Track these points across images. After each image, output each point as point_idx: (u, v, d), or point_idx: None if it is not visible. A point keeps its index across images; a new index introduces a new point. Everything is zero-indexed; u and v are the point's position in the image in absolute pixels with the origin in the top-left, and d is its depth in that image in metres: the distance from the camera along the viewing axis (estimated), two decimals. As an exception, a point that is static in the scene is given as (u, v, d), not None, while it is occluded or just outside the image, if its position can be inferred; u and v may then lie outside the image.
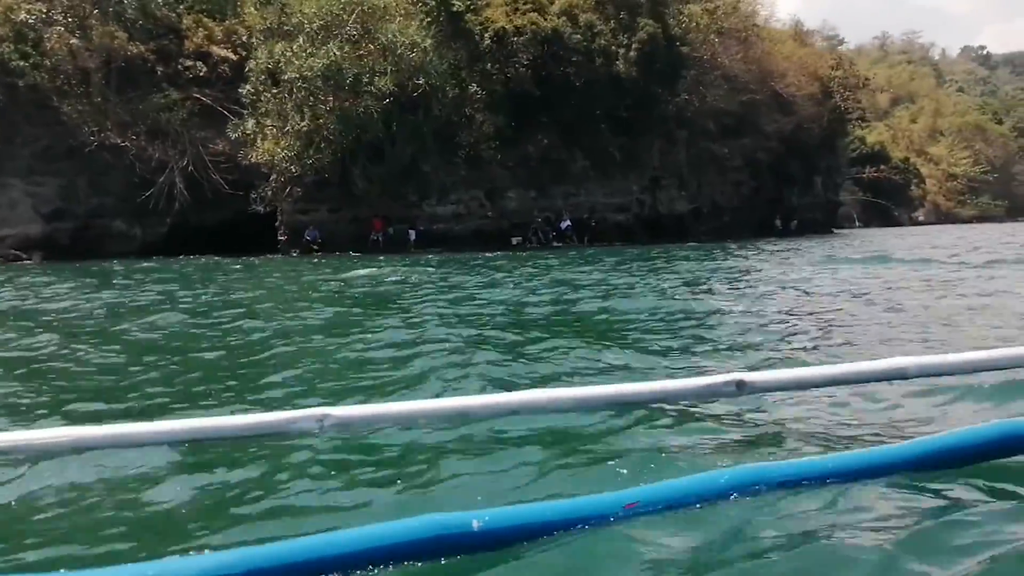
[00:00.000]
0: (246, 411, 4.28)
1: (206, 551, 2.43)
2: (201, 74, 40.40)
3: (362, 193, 34.51)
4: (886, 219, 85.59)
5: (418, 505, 2.93)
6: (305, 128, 33.29)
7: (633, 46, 37.74)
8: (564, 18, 37.19)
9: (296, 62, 33.22)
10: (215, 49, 41.14)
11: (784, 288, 13.59)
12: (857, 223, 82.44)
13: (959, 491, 2.84)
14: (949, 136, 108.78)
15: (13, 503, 3.21)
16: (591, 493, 2.68)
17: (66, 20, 38.60)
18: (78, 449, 2.40)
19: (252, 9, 37.58)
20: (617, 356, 6.59)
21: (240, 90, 35.78)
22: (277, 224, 36.15)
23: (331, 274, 20.69)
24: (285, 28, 34.90)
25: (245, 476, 3.53)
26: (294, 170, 33.83)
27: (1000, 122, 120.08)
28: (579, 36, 36.92)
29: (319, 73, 32.74)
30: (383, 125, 33.93)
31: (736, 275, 17.24)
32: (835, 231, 59.57)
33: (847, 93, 56.02)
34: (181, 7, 42.29)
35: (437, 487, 3.27)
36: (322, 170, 34.08)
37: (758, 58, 49.70)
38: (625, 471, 3.25)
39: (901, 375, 3.15)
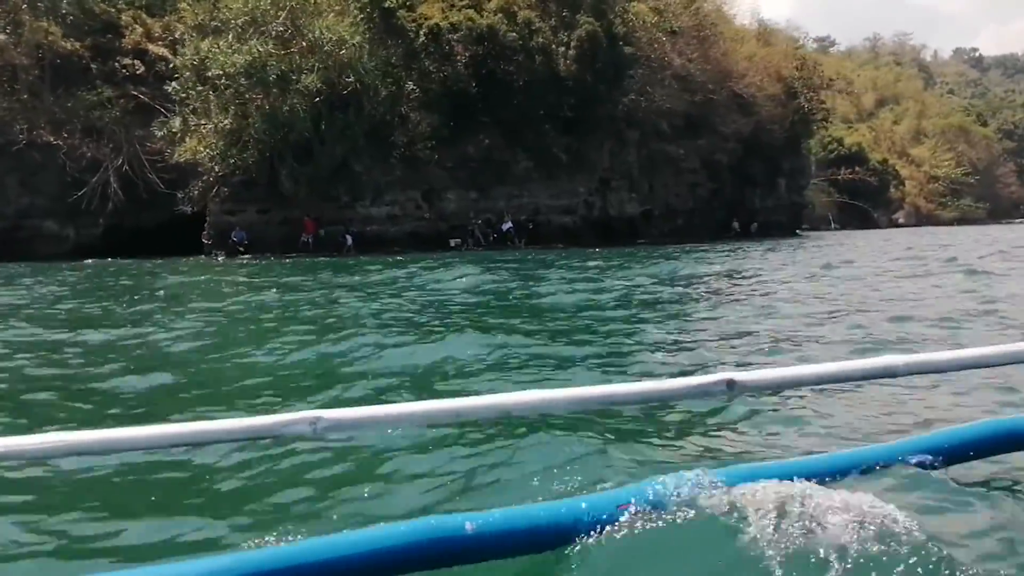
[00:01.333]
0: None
1: (199, 556, 2.49)
2: (138, 72, 39.63)
3: (290, 194, 33.61)
4: (865, 221, 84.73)
5: (412, 508, 3.08)
6: (229, 126, 32.41)
7: (572, 44, 36.87)
8: (501, 15, 36.28)
9: (221, 59, 32.33)
10: (152, 46, 40.37)
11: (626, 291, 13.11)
12: (833, 225, 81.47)
13: (952, 489, 2.88)
14: (933, 138, 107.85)
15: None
16: (584, 493, 2.76)
17: (-6, 15, 37.76)
18: (71, 454, 2.41)
19: (186, 5, 36.69)
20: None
21: (166, 87, 34.88)
22: (207, 226, 35.23)
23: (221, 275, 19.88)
24: (214, 24, 34.01)
25: (234, 478, 3.68)
26: (217, 170, 32.96)
27: (985, 124, 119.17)
28: (515, 34, 36.00)
29: (242, 70, 31.86)
30: (311, 124, 33.06)
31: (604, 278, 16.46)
32: (801, 233, 58.70)
33: (810, 94, 55.11)
34: (120, 2, 41.53)
35: (427, 488, 3.41)
36: (248, 170, 33.24)
37: (716, 58, 48.85)
38: (617, 471, 3.34)
39: (890, 373, 3.15)
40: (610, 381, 5.46)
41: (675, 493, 2.51)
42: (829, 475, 2.74)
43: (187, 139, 33.39)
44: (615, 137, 42.51)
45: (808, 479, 2.64)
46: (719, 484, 2.56)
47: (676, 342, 8.02)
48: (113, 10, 41.26)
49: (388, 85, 34.80)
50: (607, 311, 11.08)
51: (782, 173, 56.56)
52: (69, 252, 36.98)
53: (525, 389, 3.27)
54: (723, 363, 6.65)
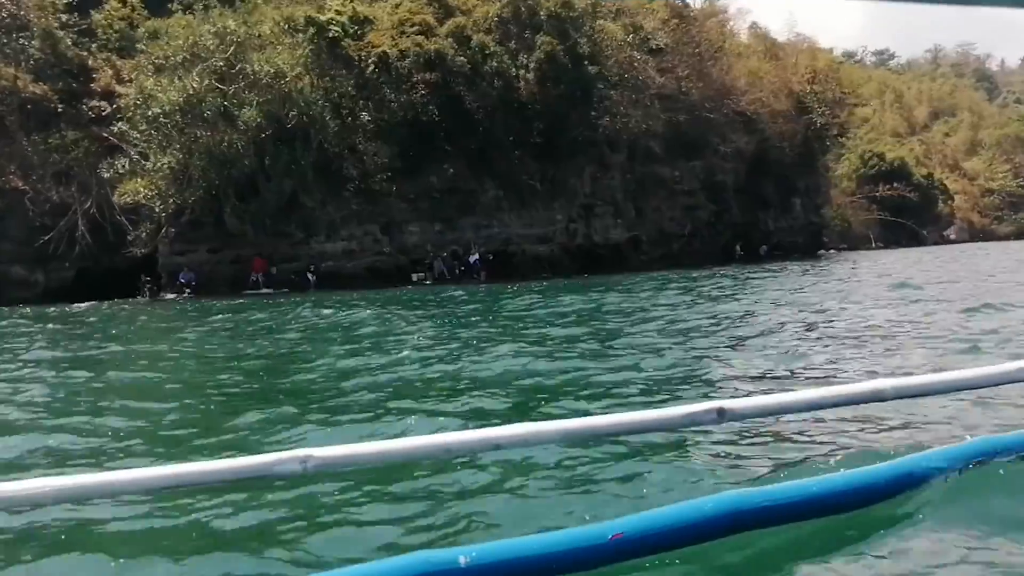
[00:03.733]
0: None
1: None
2: (104, 113, 39.28)
3: (235, 231, 32.62)
4: (912, 238, 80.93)
5: (404, 542, 3.26)
6: (169, 165, 31.57)
7: (531, 66, 35.29)
8: (451, 39, 34.86)
9: (160, 96, 31.61)
10: (120, 88, 39.98)
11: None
12: (875, 244, 77.90)
13: (949, 510, 2.97)
14: (989, 149, 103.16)
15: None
16: (577, 524, 2.89)
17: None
18: (59, 499, 2.22)
19: (142, 45, 36.20)
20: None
21: (112, 128, 34.30)
22: (158, 268, 34.42)
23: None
24: (158, 62, 33.38)
25: (226, 517, 3.77)
26: (158, 210, 32.12)
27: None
28: (464, 58, 34.51)
29: (178, 106, 31.02)
30: (256, 159, 32.06)
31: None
32: (823, 254, 55.81)
33: (823, 108, 52.37)
34: (92, 45, 41.34)
35: (421, 523, 3.56)
36: (190, 208, 32.34)
37: (712, 75, 46.70)
38: (610, 501, 3.54)
39: (878, 397, 3.02)
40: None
41: (668, 522, 2.63)
42: (821, 499, 2.85)
43: (129, 180, 32.55)
44: (597, 161, 40.69)
45: (800, 504, 2.81)
46: (711, 513, 2.68)
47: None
48: (86, 53, 41.11)
49: (337, 117, 33.63)
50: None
51: (797, 192, 53.93)
52: (39, 296, 36.54)
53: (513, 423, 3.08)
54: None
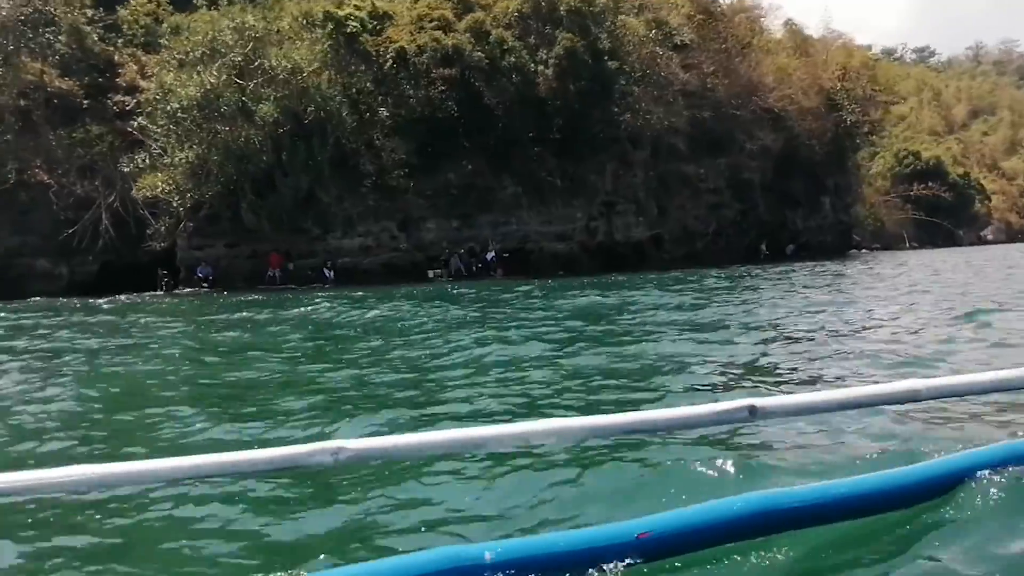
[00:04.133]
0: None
1: None
2: (128, 108, 39.56)
3: (252, 226, 32.69)
4: (949, 239, 79.57)
5: (430, 536, 3.22)
6: (185, 160, 31.68)
7: (550, 62, 34.98)
8: (469, 35, 34.63)
9: (180, 91, 31.74)
10: (144, 83, 40.25)
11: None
12: (909, 244, 76.66)
13: (980, 512, 2.88)
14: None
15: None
16: (603, 522, 2.82)
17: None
18: (101, 486, 2.46)
19: (165, 40, 36.38)
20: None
21: (133, 122, 34.50)
22: (177, 262, 34.61)
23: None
24: (178, 57, 33.51)
25: (253, 506, 3.80)
26: (176, 204, 32.26)
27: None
28: (481, 53, 34.27)
29: (195, 102, 31.12)
30: (273, 155, 32.09)
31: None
32: (854, 254, 54.95)
33: (853, 106, 51.43)
34: (119, 40, 41.67)
35: (448, 516, 3.53)
36: (208, 203, 32.46)
37: (739, 71, 46.06)
38: (637, 499, 3.46)
39: (913, 398, 3.08)
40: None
41: (694, 522, 2.60)
42: (850, 500, 2.80)
43: (148, 174, 32.72)
44: (619, 158, 40.26)
45: (829, 505, 2.76)
46: (739, 513, 2.66)
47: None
48: (112, 48, 41.45)
49: (355, 113, 33.57)
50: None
51: (826, 191, 53.08)
52: (63, 289, 36.87)
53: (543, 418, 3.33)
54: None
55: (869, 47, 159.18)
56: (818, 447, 4.43)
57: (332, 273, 33.51)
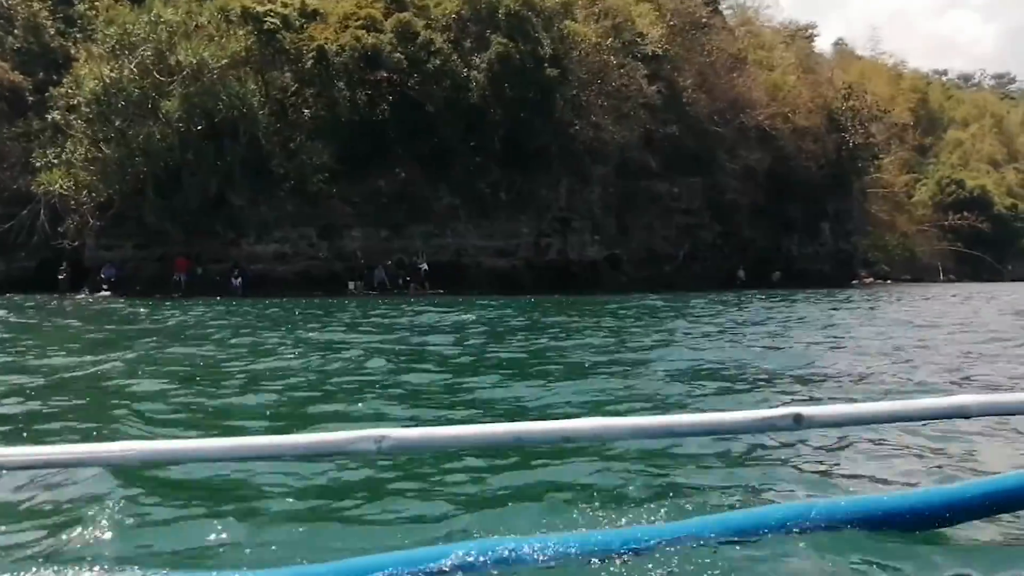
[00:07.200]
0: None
1: (257, 570, 2.57)
2: (73, 103, 38.86)
3: (155, 228, 31.37)
4: (993, 272, 74.88)
5: (476, 528, 3.12)
6: (84, 155, 30.56)
7: (482, 67, 32.96)
8: (393, 35, 32.78)
9: (87, 85, 30.68)
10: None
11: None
12: (944, 276, 72.24)
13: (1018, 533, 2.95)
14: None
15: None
16: (644, 523, 2.93)
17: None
18: (145, 464, 2.47)
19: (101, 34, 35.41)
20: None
21: (46, 117, 33.60)
22: (85, 261, 33.52)
23: None
24: (100, 51, 32.50)
25: (299, 492, 3.82)
26: (76, 203, 31.15)
27: None
28: (402, 55, 32.37)
29: (95, 96, 29.98)
30: (178, 154, 30.75)
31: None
32: (859, 284, 51.53)
33: (858, 127, 48.10)
34: (75, 35, 41.03)
35: (493, 510, 3.48)
36: (113, 202, 31.26)
37: (720, 86, 43.32)
38: (679, 502, 3.41)
39: (962, 413, 2.97)
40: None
41: (733, 528, 2.68)
42: (891, 515, 2.82)
43: (46, 171, 31.71)
44: (576, 173, 37.96)
45: (870, 518, 2.80)
46: (779, 520, 2.71)
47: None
48: (70, 43, 40.82)
49: (274, 113, 32.06)
50: None
51: (826, 217, 49.84)
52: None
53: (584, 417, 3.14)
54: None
55: (944, 72, 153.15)
56: (863, 458, 4.46)
57: (240, 281, 31.95)
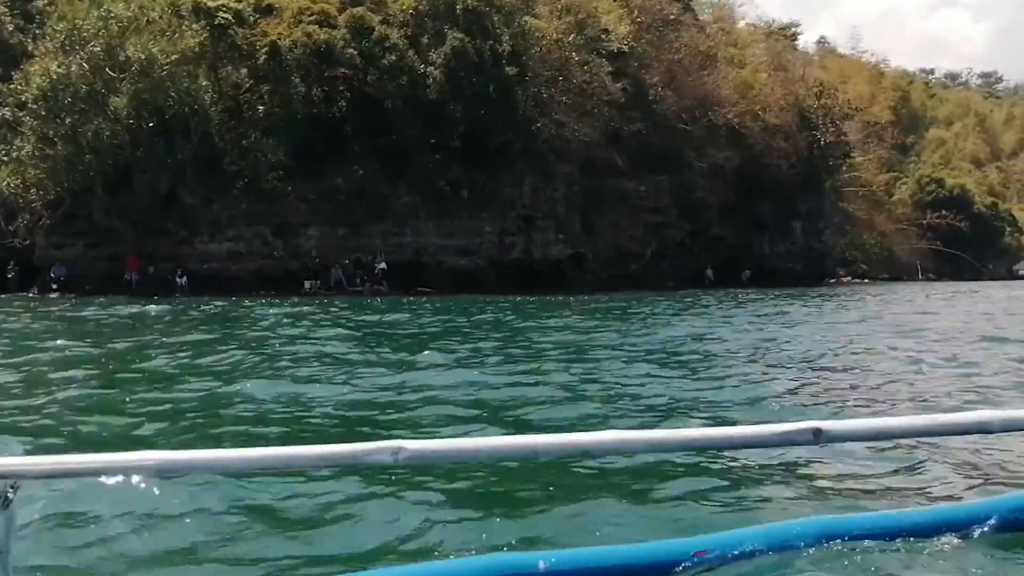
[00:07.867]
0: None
1: None
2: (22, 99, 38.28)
3: (104, 226, 30.84)
4: (973, 272, 74.59)
5: (484, 542, 3.21)
6: (30, 152, 30.03)
7: (438, 62, 32.49)
8: (346, 31, 32.28)
9: (34, 81, 30.16)
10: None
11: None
12: (923, 275, 71.92)
13: None
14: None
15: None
16: (660, 538, 2.89)
17: None
18: (161, 473, 2.45)
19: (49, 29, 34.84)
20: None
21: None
22: (35, 260, 32.96)
23: None
24: (49, 46, 31.97)
25: (311, 503, 3.86)
26: (21, 201, 30.64)
27: None
28: (355, 50, 31.89)
29: (43, 93, 29.45)
30: (129, 151, 30.23)
31: None
32: (835, 282, 51.26)
33: (829, 125, 47.76)
34: (35, 31, 40.44)
35: (503, 523, 3.52)
36: (60, 200, 30.75)
37: (688, 84, 42.92)
38: (696, 517, 3.52)
39: (984, 429, 2.92)
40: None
41: (753, 544, 2.66)
42: (910, 532, 2.88)
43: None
44: (540, 171, 37.53)
45: (890, 535, 2.86)
46: (798, 536, 2.74)
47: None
48: (28, 40, 40.24)
49: (227, 110, 31.54)
50: None
51: (798, 215, 49.50)
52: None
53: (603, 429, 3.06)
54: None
55: (931, 71, 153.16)
56: (884, 474, 4.48)
57: (185, 280, 31.36)
